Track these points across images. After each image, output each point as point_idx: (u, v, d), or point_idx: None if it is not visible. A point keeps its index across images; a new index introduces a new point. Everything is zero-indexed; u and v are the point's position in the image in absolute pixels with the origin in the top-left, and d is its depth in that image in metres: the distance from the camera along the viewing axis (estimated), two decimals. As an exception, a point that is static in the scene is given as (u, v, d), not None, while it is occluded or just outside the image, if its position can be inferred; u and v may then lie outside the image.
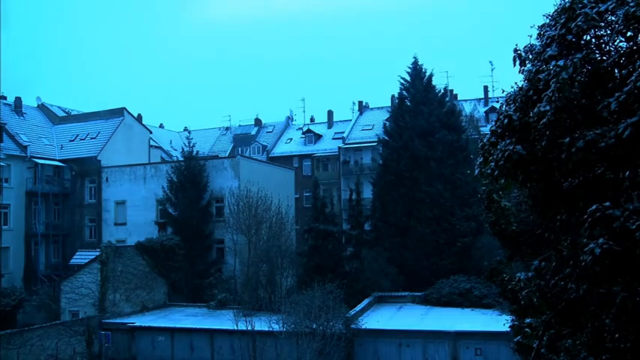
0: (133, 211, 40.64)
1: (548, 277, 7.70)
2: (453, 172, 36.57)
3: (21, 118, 45.57)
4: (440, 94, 40.18)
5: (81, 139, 45.10)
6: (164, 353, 28.39)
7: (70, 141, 45.32)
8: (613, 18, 6.95)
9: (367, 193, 41.54)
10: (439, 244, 35.37)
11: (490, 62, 76.39)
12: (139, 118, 51.60)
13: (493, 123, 8.20)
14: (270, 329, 24.76)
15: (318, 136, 56.48)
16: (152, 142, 50.95)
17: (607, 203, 6.08)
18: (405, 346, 25.37)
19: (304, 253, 35.43)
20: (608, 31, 7.14)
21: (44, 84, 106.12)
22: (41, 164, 41.55)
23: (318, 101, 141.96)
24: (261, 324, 24.90)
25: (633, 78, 6.21)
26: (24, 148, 41.33)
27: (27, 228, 40.52)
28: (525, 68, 8.02)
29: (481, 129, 43.06)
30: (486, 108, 50.12)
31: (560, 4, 7.46)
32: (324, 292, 24.94)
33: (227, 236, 35.81)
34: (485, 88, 53.53)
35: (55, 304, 32.73)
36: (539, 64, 7.52)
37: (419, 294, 33.50)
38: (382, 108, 54.50)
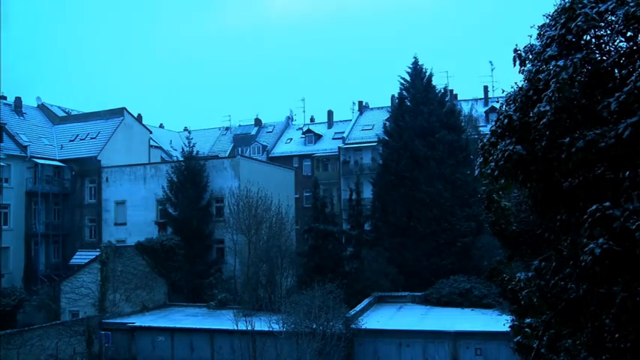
0: (133, 211, 40.64)
1: (548, 277, 7.70)
2: (453, 172, 36.57)
3: (21, 118, 45.58)
4: (440, 94, 40.18)
5: (81, 139, 45.11)
6: (164, 353, 28.38)
7: (70, 141, 45.33)
8: (613, 18, 6.94)
9: (367, 193, 41.54)
10: (439, 244, 35.37)
11: (490, 62, 76.66)
12: (139, 118, 51.61)
13: (493, 123, 8.20)
14: (270, 329, 24.76)
15: (318, 136, 56.48)
16: (152, 142, 50.95)
17: (607, 203, 6.08)
18: (405, 346, 25.37)
19: (304, 253, 35.43)
20: (608, 31, 7.14)
21: (44, 84, 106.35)
22: (41, 164, 41.56)
23: (318, 101, 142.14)
24: (261, 324, 24.90)
25: (633, 78, 6.21)
26: (24, 148, 41.34)
27: (27, 228, 40.53)
28: (525, 68, 8.01)
29: (481, 129, 43.08)
30: (486, 108, 50.14)
31: (560, 4, 7.46)
32: (324, 292, 24.93)
33: (227, 236, 35.81)
34: (485, 88, 53.60)
35: (55, 304, 32.73)
36: (539, 64, 7.52)
37: (419, 294, 33.49)
38: (382, 108, 54.51)
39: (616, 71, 6.95)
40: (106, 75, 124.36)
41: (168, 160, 49.09)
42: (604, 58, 7.14)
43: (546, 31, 7.79)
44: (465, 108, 49.74)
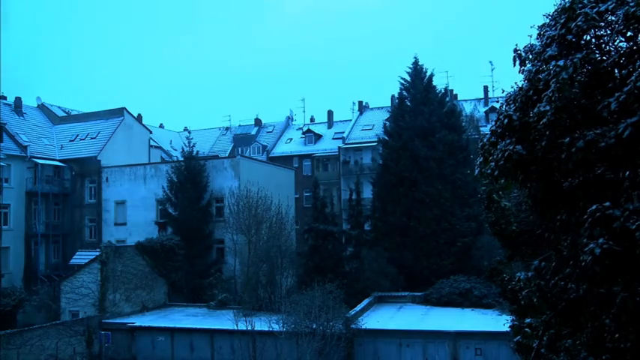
0: (133, 211, 40.66)
1: (548, 277, 7.70)
2: (453, 172, 36.58)
3: (21, 118, 45.58)
4: (440, 94, 40.18)
5: (81, 139, 45.12)
6: (164, 353, 28.38)
7: (70, 141, 45.34)
8: (613, 18, 6.94)
9: (367, 193, 41.55)
10: (439, 244, 35.38)
11: (490, 62, 76.57)
12: (139, 118, 51.62)
13: (493, 123, 8.20)
14: (270, 329, 24.76)
15: (318, 136, 56.48)
16: (152, 142, 50.96)
17: (607, 203, 6.08)
18: (405, 346, 25.37)
19: (304, 253, 35.44)
20: (608, 31, 7.14)
21: (44, 84, 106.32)
22: (41, 164, 41.56)
23: (318, 101, 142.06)
24: (261, 324, 24.90)
25: (633, 78, 6.21)
26: (24, 148, 41.34)
27: (27, 228, 40.53)
28: (525, 68, 8.01)
29: (481, 129, 43.05)
30: (486, 108, 50.14)
31: (560, 4, 7.46)
32: (324, 292, 24.93)
33: (227, 236, 35.82)
34: (485, 88, 53.60)
35: (55, 304, 32.74)
36: (539, 64, 7.51)
37: (419, 294, 33.49)
38: (382, 108, 54.52)
39: (616, 71, 6.94)
40: (106, 75, 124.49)
41: (168, 160, 49.09)
42: (604, 58, 7.13)
43: (546, 31, 7.78)
44: (467, 108, 49.77)
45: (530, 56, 8.04)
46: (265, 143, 57.90)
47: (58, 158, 43.39)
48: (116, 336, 28.67)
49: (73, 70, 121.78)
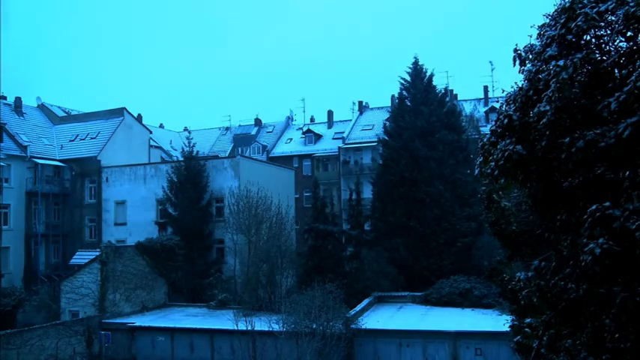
0: (133, 211, 40.66)
1: (548, 277, 7.70)
2: (453, 172, 36.59)
3: (21, 118, 45.58)
4: (440, 94, 40.18)
5: (81, 139, 45.12)
6: (164, 353, 28.38)
7: (70, 141, 45.34)
8: (613, 18, 6.94)
9: (367, 193, 41.55)
10: (439, 244, 35.38)
11: (490, 62, 76.38)
12: (139, 118, 51.61)
13: (493, 123, 8.20)
14: (270, 329, 24.77)
15: (318, 136, 56.48)
16: (152, 142, 50.95)
17: (607, 203, 6.08)
18: (405, 346, 25.37)
19: (304, 253, 35.45)
20: (608, 31, 7.14)
21: (44, 84, 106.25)
22: (41, 164, 41.56)
23: (318, 101, 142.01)
24: (261, 324, 24.90)
25: (633, 78, 6.21)
26: (24, 148, 41.34)
27: (27, 228, 40.52)
28: (525, 68, 8.01)
29: (481, 129, 43.05)
30: (486, 108, 50.13)
31: (560, 4, 7.46)
32: (324, 292, 24.93)
33: (227, 236, 35.82)
34: (485, 88, 53.59)
35: (55, 304, 32.74)
36: (539, 64, 7.52)
37: (419, 294, 33.49)
38: (382, 108, 54.53)
39: (616, 71, 6.95)
40: (106, 75, 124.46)
41: (168, 160, 49.09)
42: (604, 58, 7.14)
43: (546, 31, 7.78)
44: (467, 108, 49.77)
45: (530, 56, 8.04)
46: (265, 143, 57.90)
47: (58, 158, 43.39)
48: (116, 336, 28.67)
49: (73, 70, 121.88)
